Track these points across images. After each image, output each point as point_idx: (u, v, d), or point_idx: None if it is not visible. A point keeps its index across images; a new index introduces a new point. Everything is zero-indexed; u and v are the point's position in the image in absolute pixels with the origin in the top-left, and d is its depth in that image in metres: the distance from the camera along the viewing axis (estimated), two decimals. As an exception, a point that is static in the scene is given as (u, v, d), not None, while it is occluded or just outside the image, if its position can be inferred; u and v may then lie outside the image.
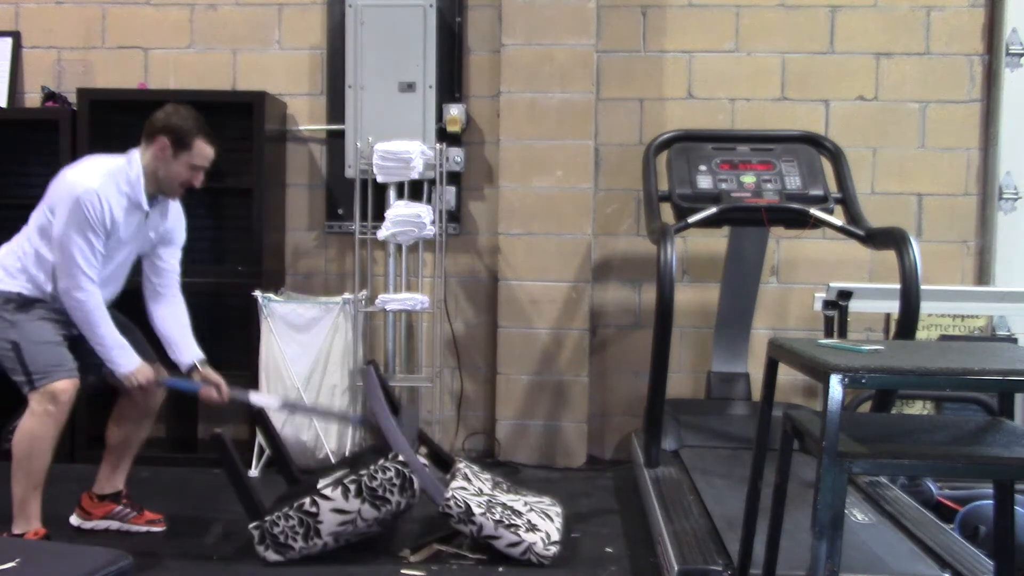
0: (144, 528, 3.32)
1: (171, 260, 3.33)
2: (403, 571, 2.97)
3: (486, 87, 4.46)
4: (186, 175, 3.16)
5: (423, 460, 3.19)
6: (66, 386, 3.02)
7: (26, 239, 3.14)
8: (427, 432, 4.34)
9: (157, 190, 3.17)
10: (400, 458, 3.01)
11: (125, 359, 3.10)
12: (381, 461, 3.01)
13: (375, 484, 2.98)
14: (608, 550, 3.22)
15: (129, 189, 3.09)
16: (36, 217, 3.13)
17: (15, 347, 3.03)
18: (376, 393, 3.25)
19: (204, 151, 3.16)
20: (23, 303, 3.08)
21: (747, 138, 3.94)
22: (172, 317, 3.29)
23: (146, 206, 3.13)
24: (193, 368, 3.24)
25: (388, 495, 2.99)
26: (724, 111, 4.45)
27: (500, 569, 2.98)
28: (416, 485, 3.01)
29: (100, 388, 3.32)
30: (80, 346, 3.13)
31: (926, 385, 2.93)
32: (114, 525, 3.33)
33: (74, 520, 3.35)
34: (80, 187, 3.00)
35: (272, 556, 2.98)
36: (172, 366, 3.28)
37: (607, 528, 3.45)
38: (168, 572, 2.97)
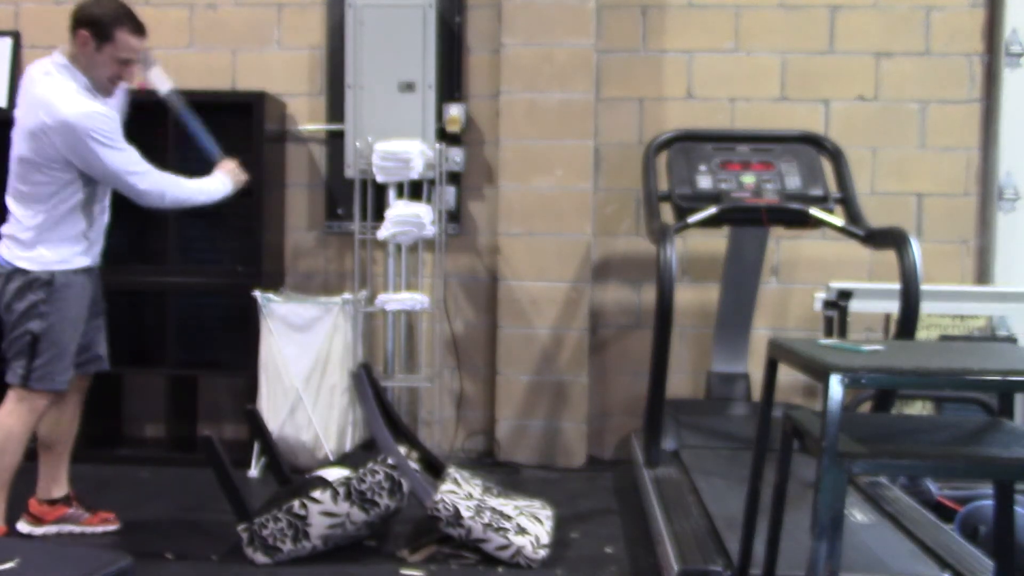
0: (100, 528, 3.24)
1: None
2: (402, 571, 2.96)
3: (486, 87, 4.46)
4: (113, 69, 2.99)
5: (414, 465, 3.18)
6: (57, 395, 3.00)
7: (18, 199, 2.97)
8: (427, 433, 4.37)
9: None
10: (390, 461, 3.01)
11: (220, 187, 3.22)
12: (370, 464, 3.01)
13: (364, 487, 2.97)
14: (608, 550, 3.21)
15: (93, 96, 2.98)
16: (20, 157, 2.95)
17: (34, 339, 2.93)
18: (367, 395, 3.25)
19: (128, 42, 2.97)
20: (53, 285, 2.94)
21: (747, 138, 3.93)
22: None
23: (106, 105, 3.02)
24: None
25: (377, 498, 2.98)
26: (724, 111, 4.44)
27: (500, 569, 2.98)
28: (405, 488, 3.01)
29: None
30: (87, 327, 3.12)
31: (926, 385, 2.93)
32: (67, 528, 3.22)
33: (22, 527, 3.18)
34: (77, 115, 2.86)
35: (260, 558, 2.97)
36: None
37: (607, 528, 3.45)
38: (168, 572, 2.96)
